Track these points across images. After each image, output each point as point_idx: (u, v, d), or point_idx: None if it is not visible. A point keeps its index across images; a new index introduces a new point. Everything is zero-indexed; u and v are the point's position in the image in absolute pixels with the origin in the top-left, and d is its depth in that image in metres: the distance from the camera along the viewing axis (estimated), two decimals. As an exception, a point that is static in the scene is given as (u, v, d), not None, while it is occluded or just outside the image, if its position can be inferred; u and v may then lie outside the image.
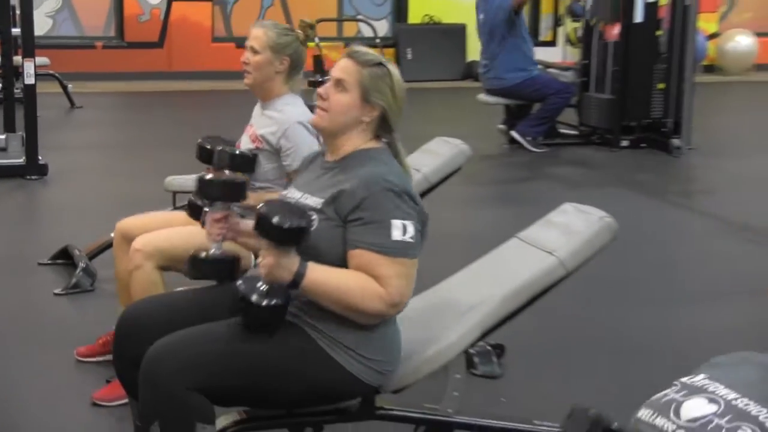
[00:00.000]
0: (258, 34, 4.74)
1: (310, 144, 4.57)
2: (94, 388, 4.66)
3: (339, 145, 3.53)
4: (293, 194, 3.59)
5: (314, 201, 3.43)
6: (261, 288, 3.23)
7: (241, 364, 3.29)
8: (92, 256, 6.28)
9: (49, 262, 6.58)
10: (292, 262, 3.20)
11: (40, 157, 8.93)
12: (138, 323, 3.52)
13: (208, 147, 4.27)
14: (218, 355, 3.27)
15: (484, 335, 3.77)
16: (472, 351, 4.77)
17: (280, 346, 3.34)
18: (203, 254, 3.77)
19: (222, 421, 3.37)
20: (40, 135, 8.96)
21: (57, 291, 6.05)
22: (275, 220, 3.16)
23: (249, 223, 3.56)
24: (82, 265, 6.17)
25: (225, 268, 3.80)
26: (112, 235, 6.15)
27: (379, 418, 3.65)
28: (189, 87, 14.57)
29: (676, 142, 10.89)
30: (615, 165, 10.49)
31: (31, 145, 8.90)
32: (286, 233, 3.18)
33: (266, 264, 3.18)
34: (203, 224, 4.05)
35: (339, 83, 3.48)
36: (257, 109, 4.94)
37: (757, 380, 2.34)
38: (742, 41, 17.33)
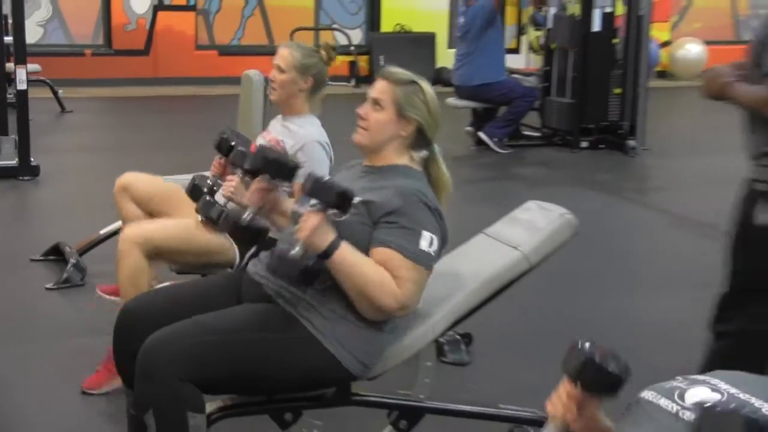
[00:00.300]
0: (284, 54, 4.79)
1: (323, 163, 4.67)
2: (85, 376, 4.65)
3: (380, 157, 3.60)
4: None
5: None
6: (297, 250, 3.28)
7: (233, 354, 3.29)
8: (82, 252, 6.25)
9: (41, 258, 6.54)
10: (330, 231, 3.26)
11: (32, 159, 8.88)
12: (136, 317, 3.51)
13: (226, 137, 4.44)
14: (211, 347, 3.26)
15: (454, 325, 3.77)
16: (441, 340, 4.78)
17: (272, 334, 3.36)
18: (225, 213, 3.95)
19: (207, 408, 3.35)
20: (32, 138, 8.93)
21: (49, 285, 6.02)
22: (328, 181, 3.34)
23: (287, 202, 3.77)
24: (72, 261, 6.14)
25: (250, 234, 3.88)
26: (101, 232, 6.18)
27: (355, 404, 3.65)
28: (174, 92, 14.51)
29: (631, 143, 10.95)
30: (575, 165, 10.52)
31: (23, 148, 8.85)
32: (338, 194, 3.25)
33: (308, 226, 3.23)
34: (198, 210, 4.12)
35: (376, 103, 3.57)
36: (277, 120, 4.98)
37: (755, 381, 2.36)
38: (693, 49, 17.37)
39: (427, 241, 3.36)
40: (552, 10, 11.70)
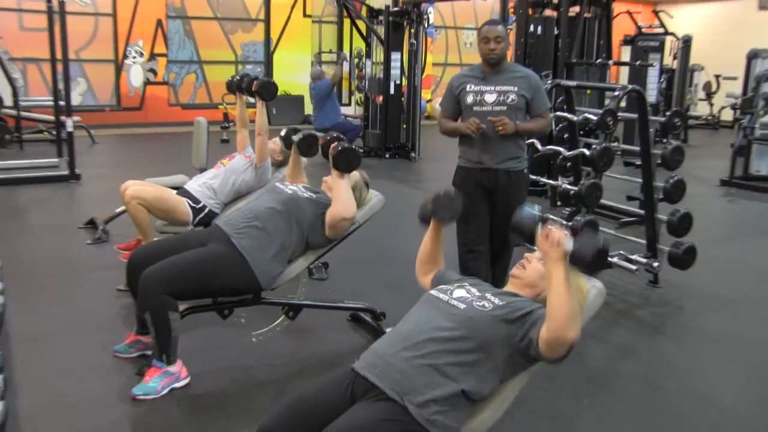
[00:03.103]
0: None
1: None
2: (109, 293, 4.48)
3: None
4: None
5: (308, 193, 3.64)
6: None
7: (192, 276, 3.19)
8: (107, 222, 6.08)
9: (83, 226, 6.29)
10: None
11: (76, 170, 8.56)
12: (139, 258, 3.39)
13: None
14: (179, 273, 3.16)
15: (317, 259, 3.76)
16: (311, 266, 4.75)
17: (219, 262, 3.26)
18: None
19: (180, 308, 3.27)
20: (76, 158, 8.59)
21: (87, 242, 5.83)
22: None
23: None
24: (101, 227, 5.97)
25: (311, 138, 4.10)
26: (117, 210, 5.98)
27: (264, 304, 3.63)
28: (156, 131, 14.01)
29: (413, 154, 11.06)
30: (383, 167, 10.53)
31: (71, 163, 8.52)
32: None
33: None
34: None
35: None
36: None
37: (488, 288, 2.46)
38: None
39: None
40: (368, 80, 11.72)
